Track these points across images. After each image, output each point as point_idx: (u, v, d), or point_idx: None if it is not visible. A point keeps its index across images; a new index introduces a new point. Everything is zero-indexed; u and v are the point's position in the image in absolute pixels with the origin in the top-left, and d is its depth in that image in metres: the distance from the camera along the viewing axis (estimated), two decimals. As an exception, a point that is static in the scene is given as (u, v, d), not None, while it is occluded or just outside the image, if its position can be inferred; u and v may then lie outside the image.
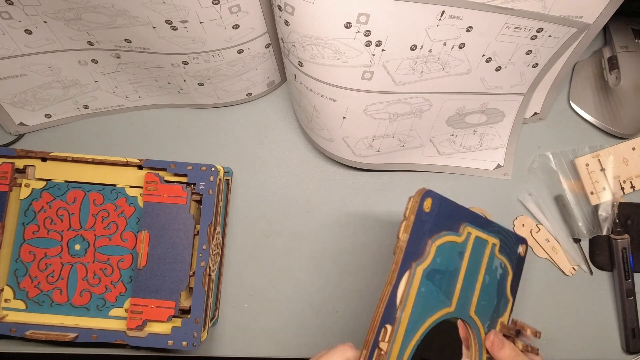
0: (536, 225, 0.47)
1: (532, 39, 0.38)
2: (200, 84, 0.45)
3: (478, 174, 0.48)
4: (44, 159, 0.44)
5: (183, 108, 0.50)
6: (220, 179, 0.43)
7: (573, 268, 0.47)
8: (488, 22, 0.36)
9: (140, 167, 0.44)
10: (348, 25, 0.33)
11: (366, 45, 0.35)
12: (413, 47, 0.36)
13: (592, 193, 0.46)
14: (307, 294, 0.47)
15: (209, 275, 0.42)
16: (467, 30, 0.36)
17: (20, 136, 0.49)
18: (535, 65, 0.41)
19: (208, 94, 0.47)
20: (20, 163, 0.44)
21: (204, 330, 0.42)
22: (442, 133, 0.46)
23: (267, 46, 0.43)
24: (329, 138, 0.44)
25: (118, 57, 0.43)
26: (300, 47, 0.36)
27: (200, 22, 0.37)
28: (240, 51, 0.42)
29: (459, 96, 0.42)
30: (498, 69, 0.41)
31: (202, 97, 0.47)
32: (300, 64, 0.38)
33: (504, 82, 0.42)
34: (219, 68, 0.43)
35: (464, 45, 0.37)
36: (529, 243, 0.46)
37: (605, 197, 0.46)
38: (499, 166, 0.48)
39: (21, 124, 0.48)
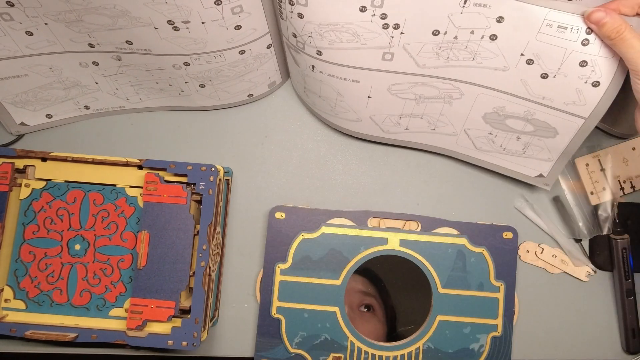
0: (539, 245, 0.47)
1: (583, 44, 0.33)
2: (202, 86, 0.45)
3: (515, 177, 0.46)
4: (44, 159, 0.44)
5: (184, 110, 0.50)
6: (220, 179, 0.43)
7: (589, 272, 0.47)
8: (522, 14, 0.33)
9: (140, 167, 0.44)
10: (363, 9, 0.34)
11: (383, 28, 0.35)
12: (435, 32, 0.36)
13: (592, 193, 0.46)
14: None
15: (209, 275, 0.42)
16: (498, 21, 0.34)
17: (21, 136, 0.49)
18: (596, 84, 0.35)
19: (209, 95, 0.47)
20: (20, 163, 0.44)
21: (204, 330, 0.42)
22: (478, 128, 0.44)
23: (268, 47, 0.43)
24: (355, 119, 0.44)
25: (119, 60, 0.43)
26: (317, 35, 0.36)
27: (203, 23, 0.38)
28: (242, 52, 0.42)
29: (495, 93, 0.41)
30: (544, 76, 0.37)
31: (204, 99, 0.48)
32: (319, 53, 0.38)
33: (554, 95, 0.38)
34: (221, 69, 0.43)
35: (496, 37, 0.35)
36: (539, 265, 0.47)
37: (605, 197, 0.46)
38: (541, 176, 0.45)
39: (22, 124, 0.48)
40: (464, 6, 0.34)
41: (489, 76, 0.39)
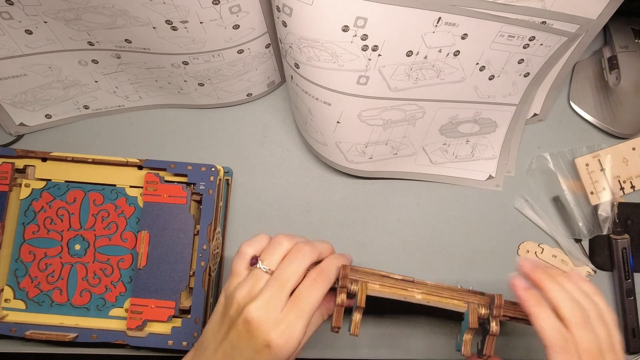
0: (539, 245, 0.47)
1: (524, 47, 0.38)
2: (201, 84, 0.45)
3: (469, 184, 0.48)
4: (44, 159, 0.44)
5: (183, 108, 0.50)
6: (220, 179, 0.43)
7: (588, 272, 0.47)
8: (483, 30, 0.36)
9: (140, 167, 0.44)
10: (345, 29, 0.33)
11: (362, 50, 0.35)
12: (409, 53, 0.36)
13: (592, 193, 0.46)
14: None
15: (209, 275, 0.42)
16: (462, 38, 0.36)
17: (20, 136, 0.49)
18: (526, 75, 0.42)
19: (208, 94, 0.47)
20: (20, 163, 0.44)
21: (204, 330, 0.42)
22: (434, 142, 0.46)
23: (267, 46, 0.43)
24: (322, 142, 0.44)
25: (118, 58, 0.43)
26: (297, 48, 0.36)
27: (201, 23, 0.37)
28: (240, 51, 0.42)
29: (452, 104, 0.42)
30: (491, 77, 0.41)
31: (203, 98, 0.47)
32: (297, 66, 0.38)
33: (497, 92, 0.42)
34: (220, 68, 0.43)
35: (459, 53, 0.37)
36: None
37: (605, 197, 0.46)
38: (490, 177, 0.48)
39: (21, 124, 0.48)
40: (436, 25, 0.35)
41: (449, 90, 0.41)
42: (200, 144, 0.49)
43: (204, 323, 0.41)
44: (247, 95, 0.48)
